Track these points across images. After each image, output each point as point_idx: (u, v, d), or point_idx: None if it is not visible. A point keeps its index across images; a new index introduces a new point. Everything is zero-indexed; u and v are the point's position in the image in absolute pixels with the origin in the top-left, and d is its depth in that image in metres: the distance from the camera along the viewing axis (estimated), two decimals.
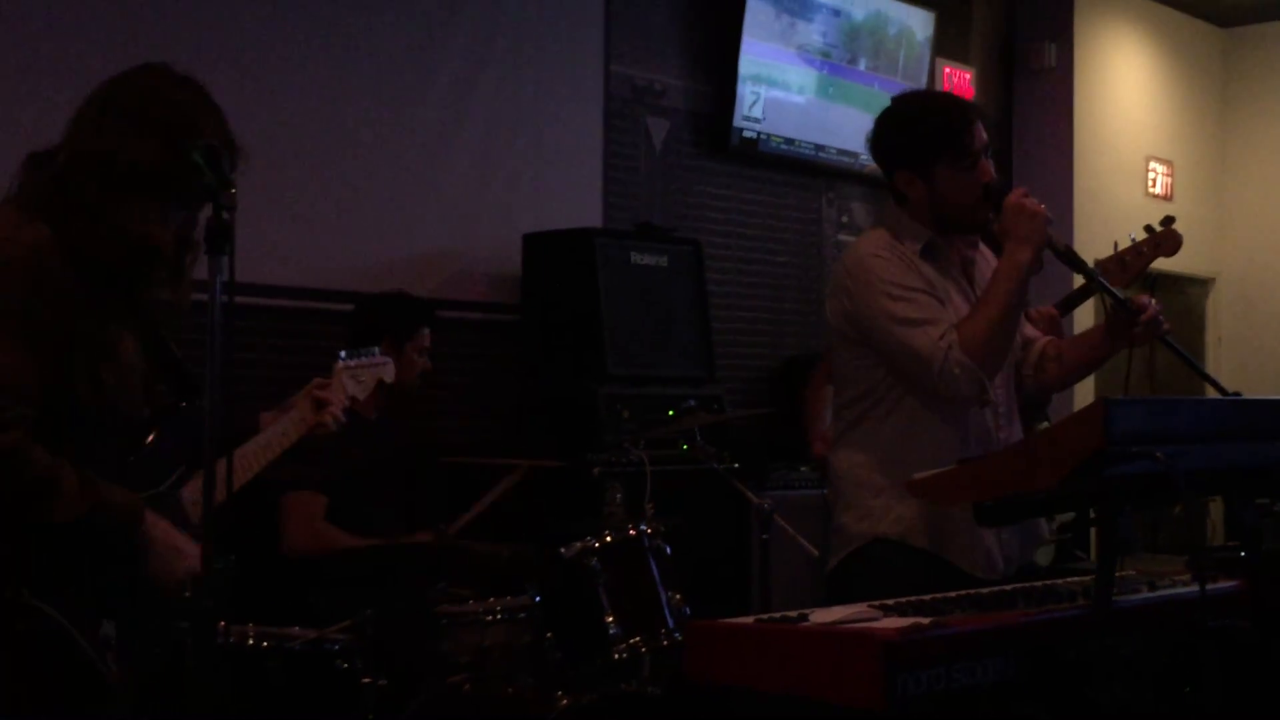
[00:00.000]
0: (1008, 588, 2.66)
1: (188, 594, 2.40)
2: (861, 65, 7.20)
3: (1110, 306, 3.07)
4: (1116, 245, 3.56)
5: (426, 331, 4.51)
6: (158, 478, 2.55)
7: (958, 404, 3.02)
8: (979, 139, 3.10)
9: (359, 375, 3.11)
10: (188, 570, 2.44)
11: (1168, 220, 3.49)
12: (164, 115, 2.42)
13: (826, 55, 6.99)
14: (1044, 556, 5.55)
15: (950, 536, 3.03)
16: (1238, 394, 2.85)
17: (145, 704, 2.45)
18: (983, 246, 3.27)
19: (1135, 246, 3.46)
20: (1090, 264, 3.16)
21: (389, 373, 3.22)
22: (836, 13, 7.02)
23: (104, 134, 2.41)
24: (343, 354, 3.12)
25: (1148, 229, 3.48)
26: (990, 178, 3.10)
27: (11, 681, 2.28)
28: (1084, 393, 7.22)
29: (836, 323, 3.15)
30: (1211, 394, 3.18)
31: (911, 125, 3.14)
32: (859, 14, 7.17)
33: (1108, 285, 3.07)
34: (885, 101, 3.35)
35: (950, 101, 3.28)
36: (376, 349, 3.25)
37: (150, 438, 2.54)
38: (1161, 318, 3.04)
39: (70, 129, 2.45)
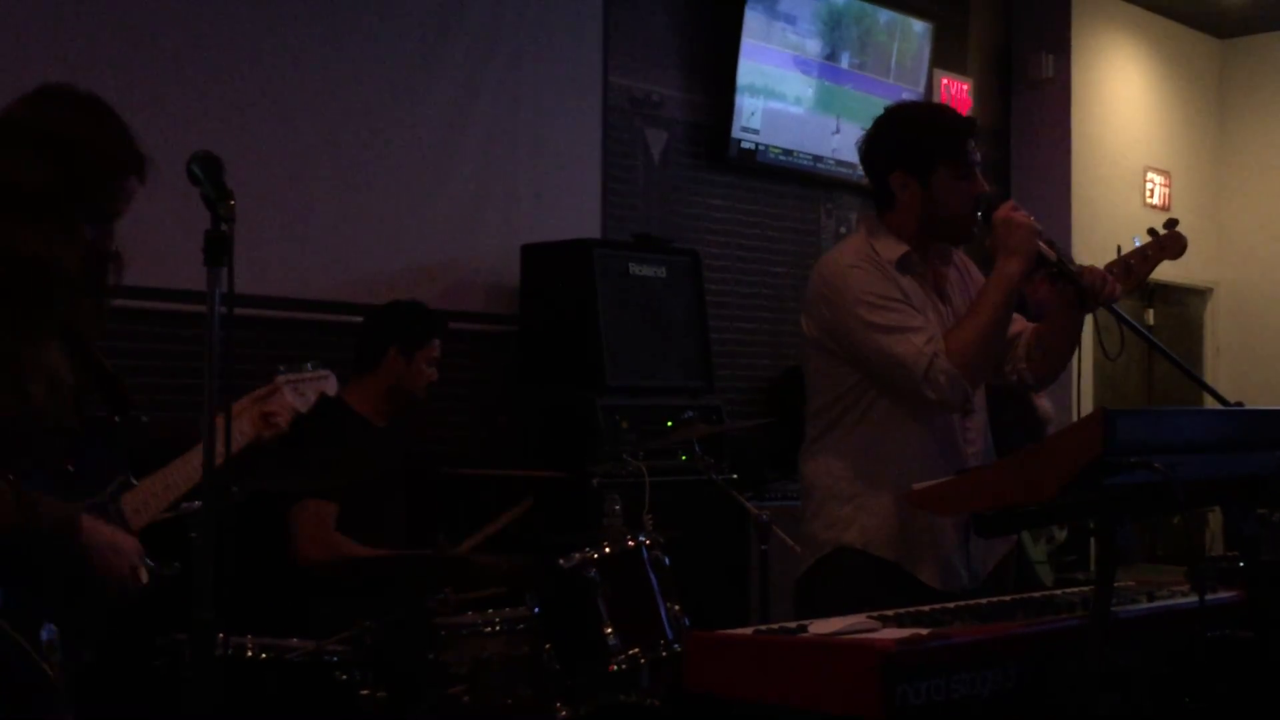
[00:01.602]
0: (1006, 599, 2.66)
1: (133, 589, 2.47)
2: (856, 67, 7.21)
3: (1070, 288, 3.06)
4: (1120, 249, 3.55)
5: (437, 342, 4.51)
6: (96, 487, 2.56)
7: (940, 411, 3.02)
8: (975, 153, 3.13)
9: (301, 389, 3.07)
10: (130, 567, 2.48)
11: (1171, 223, 3.48)
12: (53, 135, 2.44)
13: (827, 58, 7.00)
14: (1046, 576, 5.53)
15: (913, 547, 3.04)
16: (1240, 404, 2.85)
17: (78, 704, 2.49)
18: (957, 261, 3.28)
19: (1139, 250, 3.46)
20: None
21: (331, 386, 3.16)
22: (833, 22, 7.04)
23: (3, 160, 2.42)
24: (281, 368, 3.08)
25: (1151, 232, 3.48)
26: (984, 190, 3.13)
27: None
28: (1084, 403, 7.22)
29: (811, 333, 3.18)
30: (1210, 403, 3.18)
31: (917, 127, 3.16)
32: (853, 20, 7.18)
33: (1070, 273, 3.05)
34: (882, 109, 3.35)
35: (954, 113, 3.31)
36: (310, 364, 3.18)
37: (86, 449, 2.55)
38: (1105, 283, 3.00)
39: None
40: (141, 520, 2.60)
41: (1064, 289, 3.06)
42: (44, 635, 2.39)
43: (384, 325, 4.49)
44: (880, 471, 3.06)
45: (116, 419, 2.62)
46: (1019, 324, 3.23)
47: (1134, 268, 3.25)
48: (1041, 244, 3.01)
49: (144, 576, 2.53)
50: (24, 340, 2.42)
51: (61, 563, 2.42)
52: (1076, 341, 3.17)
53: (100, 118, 2.52)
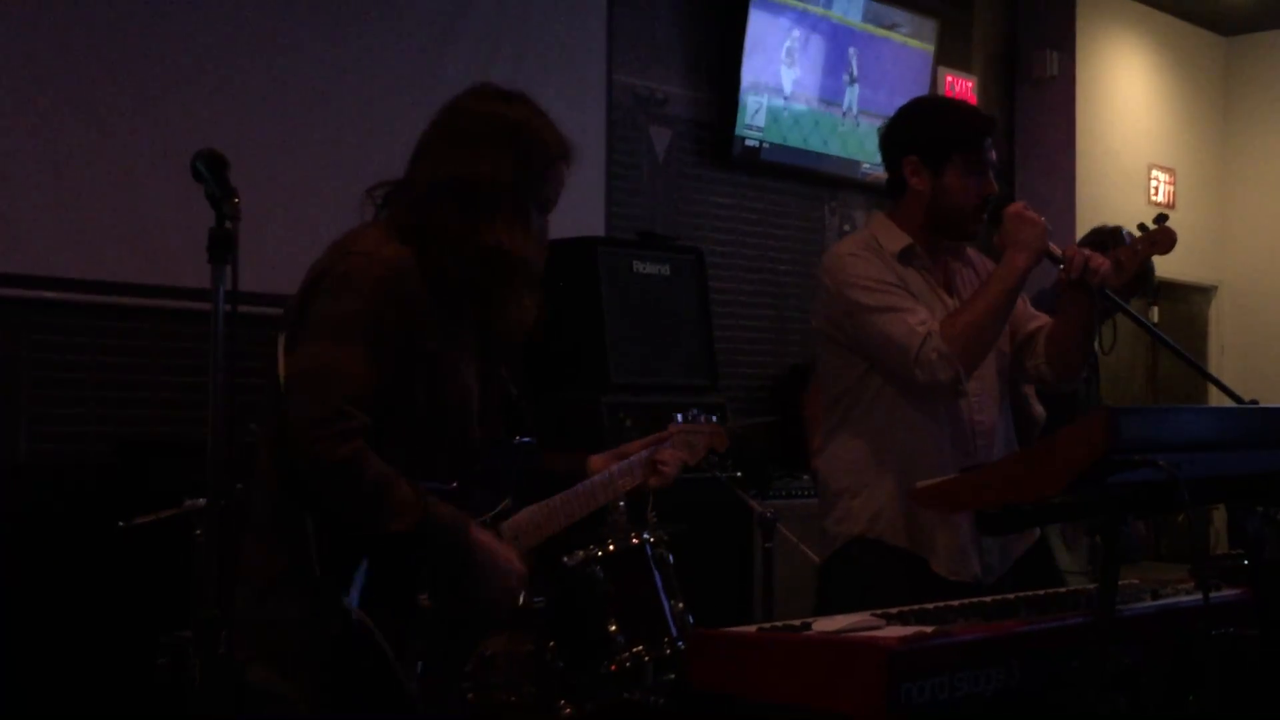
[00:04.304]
0: (1010, 597, 2.66)
1: (507, 608, 2.50)
2: (860, 66, 7.21)
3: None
4: (1119, 231, 3.56)
5: None
6: (482, 507, 2.58)
7: (933, 393, 3.04)
8: (991, 153, 3.16)
9: (692, 440, 3.06)
10: (508, 592, 2.50)
11: (1161, 218, 3.48)
12: (505, 127, 2.57)
13: (831, 56, 7.01)
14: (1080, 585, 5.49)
15: (927, 537, 3.06)
16: (1255, 401, 2.85)
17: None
18: (973, 259, 3.29)
19: (1130, 246, 3.46)
20: None
21: (721, 442, 3.13)
22: (837, 20, 7.04)
23: (459, 160, 2.52)
24: (679, 416, 3.09)
25: (1141, 227, 3.47)
26: (994, 191, 3.16)
27: (314, 683, 2.32)
28: None
29: (819, 324, 3.21)
30: (1214, 401, 3.18)
31: (938, 117, 3.20)
32: (857, 18, 7.18)
33: (1109, 293, 3.08)
34: (886, 111, 3.39)
35: (976, 110, 3.34)
36: (704, 416, 3.17)
37: (480, 466, 2.57)
38: (1091, 269, 3.01)
39: (420, 157, 2.58)
40: (521, 547, 2.63)
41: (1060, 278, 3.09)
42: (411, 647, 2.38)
43: None
44: (888, 461, 3.08)
45: (514, 436, 2.66)
46: (1039, 319, 3.24)
47: (1123, 263, 3.25)
48: (1051, 244, 3.03)
49: (520, 599, 2.55)
50: (455, 345, 2.48)
51: (449, 567, 2.42)
52: (1089, 332, 3.17)
53: (535, 108, 2.65)
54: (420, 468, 2.40)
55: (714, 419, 3.16)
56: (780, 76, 6.76)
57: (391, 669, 2.34)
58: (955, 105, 3.37)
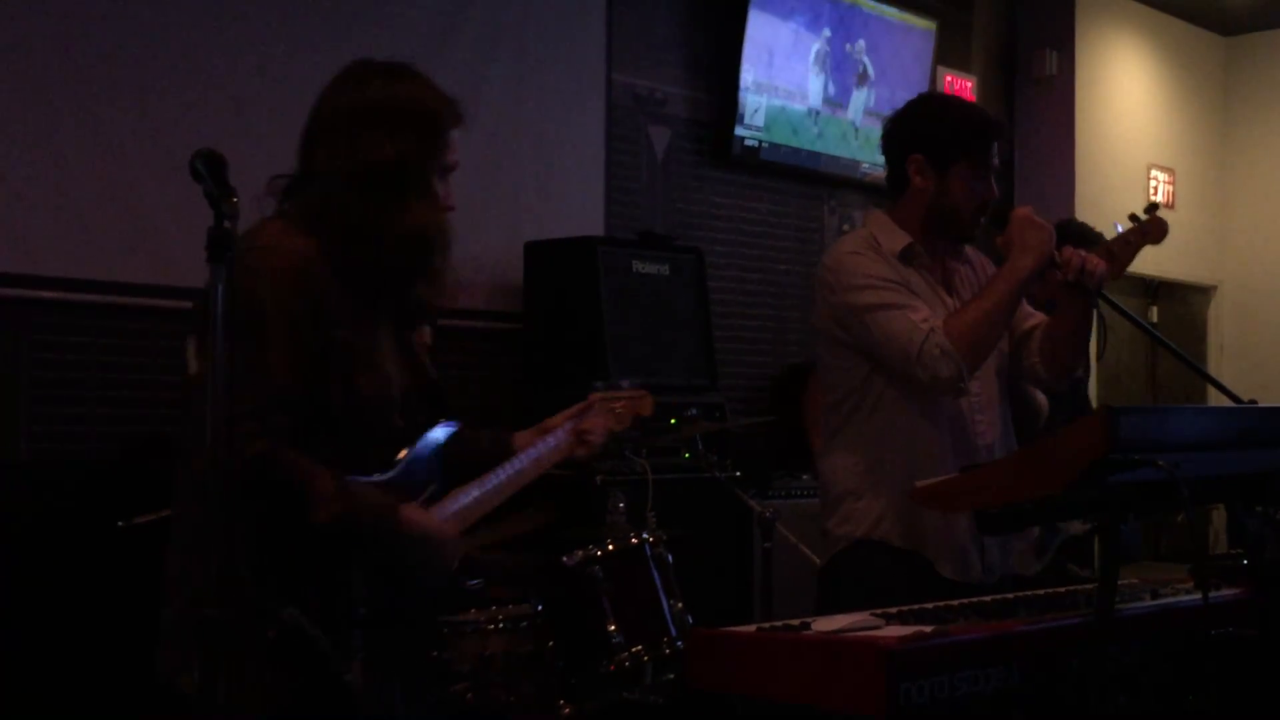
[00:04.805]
0: (1009, 596, 2.66)
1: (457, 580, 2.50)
2: (860, 65, 7.21)
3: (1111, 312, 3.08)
4: (1103, 237, 3.55)
5: (429, 330, 4.51)
6: (409, 494, 2.55)
7: (934, 390, 3.03)
8: (996, 157, 3.16)
9: (615, 407, 3.06)
10: (449, 559, 2.50)
11: (1152, 208, 3.48)
12: (403, 110, 2.52)
13: (831, 56, 7.01)
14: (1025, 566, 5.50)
15: (930, 539, 3.06)
16: (1254, 401, 2.85)
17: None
18: (972, 258, 3.29)
19: (1122, 237, 3.45)
20: None
21: (646, 406, 3.14)
22: (837, 20, 7.04)
23: (357, 145, 2.48)
24: (597, 385, 3.08)
25: (1133, 218, 3.47)
26: (995, 196, 3.16)
27: (257, 690, 2.29)
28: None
29: (821, 324, 3.20)
30: (1213, 401, 3.19)
31: (949, 116, 3.18)
32: (857, 18, 7.18)
33: (1108, 297, 3.08)
34: (887, 109, 3.37)
35: (987, 113, 3.29)
36: (627, 381, 3.18)
37: (403, 453, 2.55)
38: (1088, 271, 3.01)
39: (314, 144, 2.53)
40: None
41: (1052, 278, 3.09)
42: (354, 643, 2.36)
43: None
44: (892, 462, 3.08)
45: (438, 420, 2.63)
46: (1035, 318, 3.24)
47: (1117, 254, 3.25)
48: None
49: (453, 571, 2.52)
50: (367, 333, 2.45)
51: (382, 553, 2.40)
52: (1085, 332, 3.18)
53: (422, 78, 2.60)
54: (347, 461, 2.38)
55: (637, 384, 3.16)
56: (780, 75, 6.76)
57: (330, 669, 2.31)
58: (967, 107, 3.33)
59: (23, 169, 4.41)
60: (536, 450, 2.84)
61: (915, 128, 3.17)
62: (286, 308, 2.34)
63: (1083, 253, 3.05)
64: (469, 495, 2.66)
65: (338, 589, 2.35)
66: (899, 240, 3.14)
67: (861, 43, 7.19)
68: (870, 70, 7.25)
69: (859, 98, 7.19)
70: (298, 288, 2.35)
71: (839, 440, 3.18)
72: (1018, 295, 3.04)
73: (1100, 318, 3.11)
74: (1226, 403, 3.07)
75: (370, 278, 2.45)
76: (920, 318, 3.01)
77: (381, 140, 2.47)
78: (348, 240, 2.41)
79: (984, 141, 3.13)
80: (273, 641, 2.28)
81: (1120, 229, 3.48)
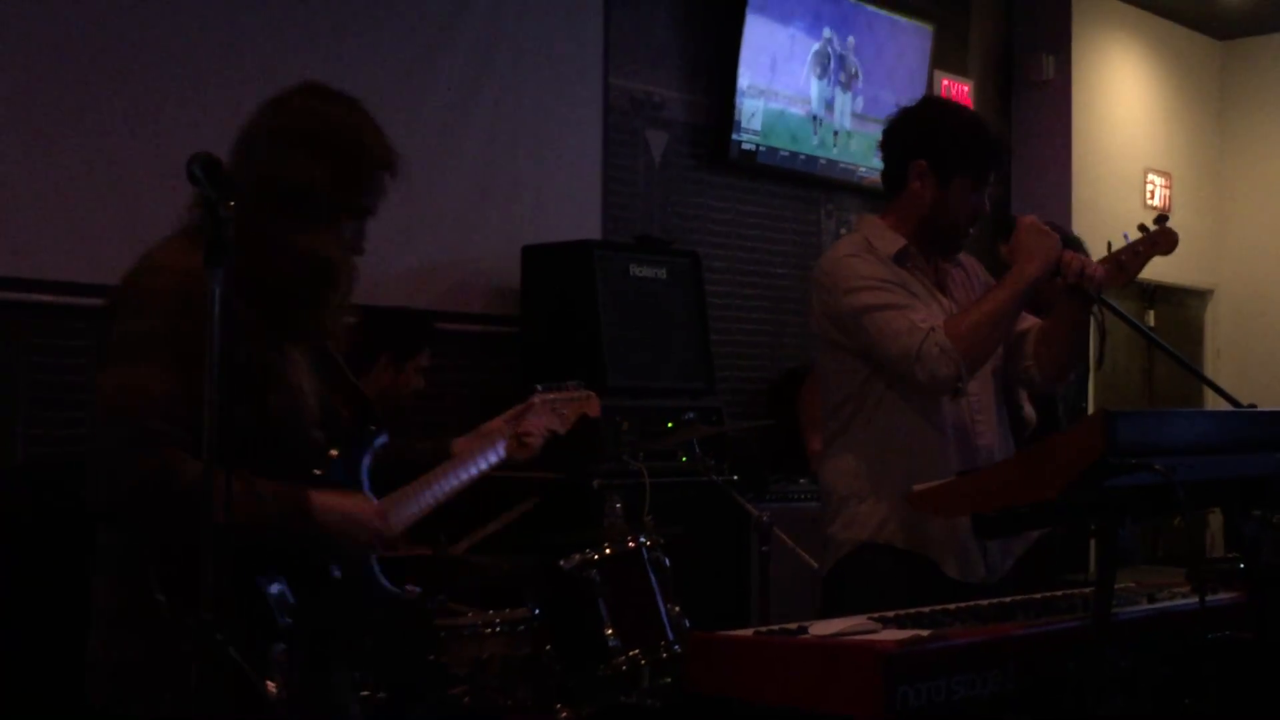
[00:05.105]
0: (1006, 600, 2.66)
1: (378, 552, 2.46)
2: (856, 68, 7.22)
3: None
4: (1110, 246, 3.55)
5: (428, 352, 4.52)
6: None
7: (932, 390, 3.03)
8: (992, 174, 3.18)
9: (559, 408, 3.01)
10: (373, 533, 2.46)
11: (1161, 218, 3.48)
12: (331, 136, 2.46)
13: (828, 59, 7.01)
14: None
15: (934, 540, 3.06)
16: (1253, 405, 2.85)
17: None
18: (964, 261, 3.30)
19: (1131, 246, 3.46)
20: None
21: (593, 407, 3.09)
22: (834, 23, 7.05)
23: (273, 161, 2.43)
24: (539, 386, 3.02)
25: (1142, 228, 3.48)
26: (986, 213, 3.17)
27: (173, 705, 2.26)
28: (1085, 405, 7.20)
29: (818, 326, 3.20)
30: (1212, 404, 3.19)
31: (963, 130, 3.17)
32: (854, 22, 7.19)
33: (1111, 304, 3.08)
34: (882, 113, 3.37)
35: (996, 134, 3.27)
36: (573, 381, 3.11)
37: (329, 462, 2.52)
38: (1087, 275, 3.02)
39: (236, 156, 2.46)
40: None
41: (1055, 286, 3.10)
42: (275, 650, 2.31)
43: (376, 332, 4.49)
44: (894, 466, 3.07)
45: (362, 435, 2.60)
46: (1028, 321, 3.25)
47: (1125, 263, 3.25)
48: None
49: (382, 541, 2.48)
50: (274, 349, 2.42)
51: (298, 543, 2.37)
52: (1082, 337, 3.18)
53: (361, 114, 2.53)
54: (258, 473, 2.34)
55: (582, 385, 3.09)
56: (777, 79, 6.76)
57: (250, 680, 2.25)
58: (979, 124, 3.25)
59: (20, 172, 4.41)
60: (470, 452, 2.81)
61: (924, 133, 3.16)
62: (172, 326, 2.30)
63: (1082, 257, 3.06)
64: (399, 500, 2.63)
65: (255, 599, 2.32)
66: (893, 243, 3.15)
67: (853, 41, 7.19)
68: (862, 73, 7.26)
69: (854, 101, 7.20)
70: (186, 307, 2.29)
71: (840, 444, 3.18)
72: (1022, 301, 3.04)
73: (1100, 326, 3.11)
74: (1224, 406, 3.07)
75: (267, 295, 2.40)
76: (919, 317, 3.02)
77: (301, 162, 2.42)
78: (249, 256, 2.34)
79: (992, 162, 3.15)
80: (186, 656, 2.21)
81: (1129, 239, 3.49)
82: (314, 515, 2.38)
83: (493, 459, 2.84)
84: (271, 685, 2.26)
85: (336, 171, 2.43)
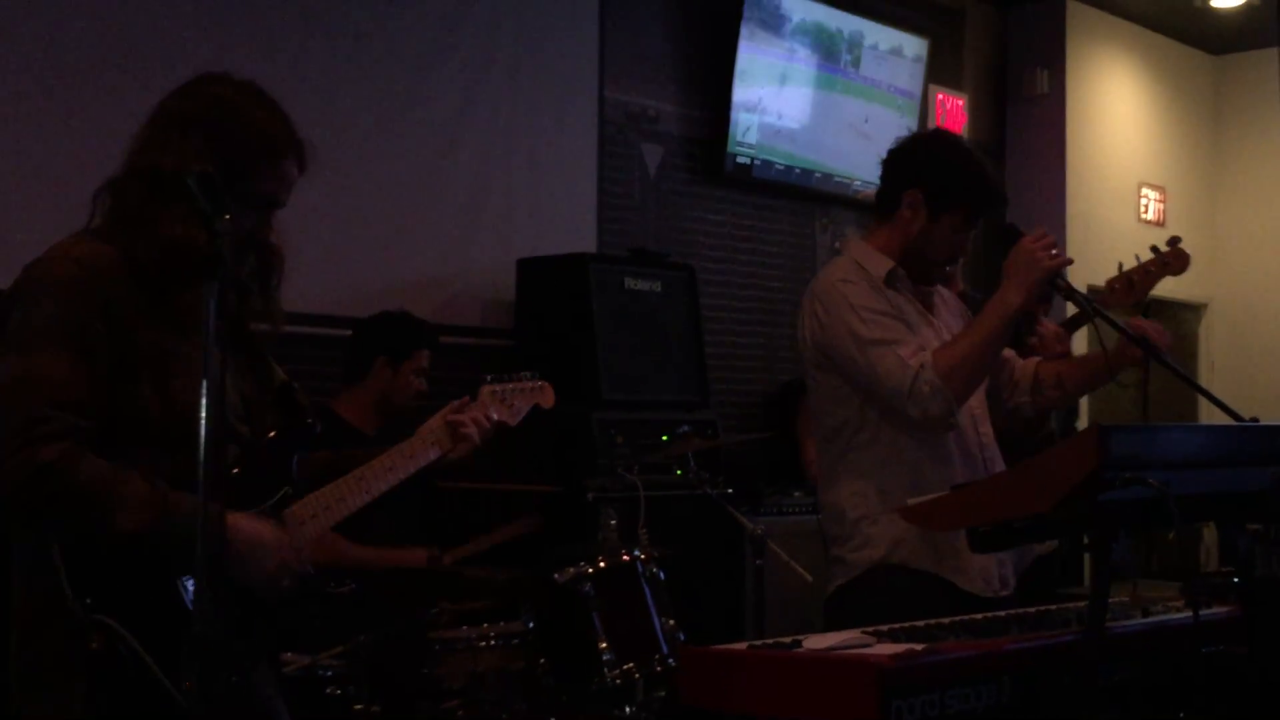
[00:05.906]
0: (1001, 614, 2.66)
1: (276, 590, 2.36)
2: (851, 83, 7.23)
3: (1112, 333, 3.10)
4: (1121, 266, 3.56)
5: (426, 353, 4.51)
6: (260, 497, 2.48)
7: (925, 428, 3.03)
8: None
9: (509, 399, 2.91)
10: (280, 565, 2.38)
11: (1174, 240, 3.50)
12: (215, 120, 2.42)
13: (823, 73, 7.03)
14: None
15: (949, 556, 3.05)
16: (1255, 419, 2.85)
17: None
18: (940, 288, 3.32)
19: (1142, 267, 3.47)
20: (1101, 284, 3.28)
21: (546, 397, 2.97)
22: (829, 38, 7.06)
23: (156, 146, 2.41)
24: (488, 377, 2.93)
25: (1154, 250, 3.49)
26: (967, 255, 3.21)
27: (83, 702, 2.23)
28: (1080, 419, 7.20)
29: (808, 352, 3.19)
30: (1206, 418, 3.21)
31: (965, 169, 3.15)
32: (849, 37, 7.21)
33: (1111, 318, 3.09)
34: (877, 128, 3.39)
35: (998, 180, 3.25)
36: (526, 372, 2.99)
37: (254, 458, 2.49)
38: (1157, 336, 3.08)
39: (130, 146, 2.45)
40: (309, 532, 2.52)
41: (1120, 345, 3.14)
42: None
43: (371, 336, 4.50)
44: (903, 482, 3.04)
45: (288, 428, 2.55)
46: (1006, 352, 3.26)
47: (1136, 283, 3.26)
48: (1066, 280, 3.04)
49: (289, 581, 2.40)
50: (179, 337, 2.36)
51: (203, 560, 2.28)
52: (1095, 387, 3.37)
53: (254, 100, 2.48)
54: (173, 467, 2.28)
55: (535, 375, 2.98)
56: (772, 93, 6.77)
57: (153, 681, 2.23)
58: (983, 167, 3.21)
59: (14, 177, 4.41)
60: (402, 446, 2.72)
61: (926, 164, 3.16)
62: (67, 315, 2.27)
63: (1152, 325, 3.11)
64: (328, 495, 2.57)
65: (165, 599, 2.27)
66: (881, 265, 3.15)
67: (848, 56, 7.21)
68: (860, 87, 7.27)
69: (849, 115, 7.20)
70: (81, 294, 2.28)
71: (843, 467, 3.15)
72: (1008, 330, 3.04)
73: (1102, 342, 3.13)
74: (1222, 420, 3.07)
75: (145, 280, 2.35)
76: (909, 353, 3.00)
77: (178, 145, 2.38)
78: (127, 240, 2.33)
79: (985, 208, 3.14)
80: (94, 654, 2.21)
81: (1140, 260, 3.51)
82: (227, 536, 2.25)
83: (433, 453, 2.74)
84: (188, 684, 2.16)
85: (220, 157, 2.36)
